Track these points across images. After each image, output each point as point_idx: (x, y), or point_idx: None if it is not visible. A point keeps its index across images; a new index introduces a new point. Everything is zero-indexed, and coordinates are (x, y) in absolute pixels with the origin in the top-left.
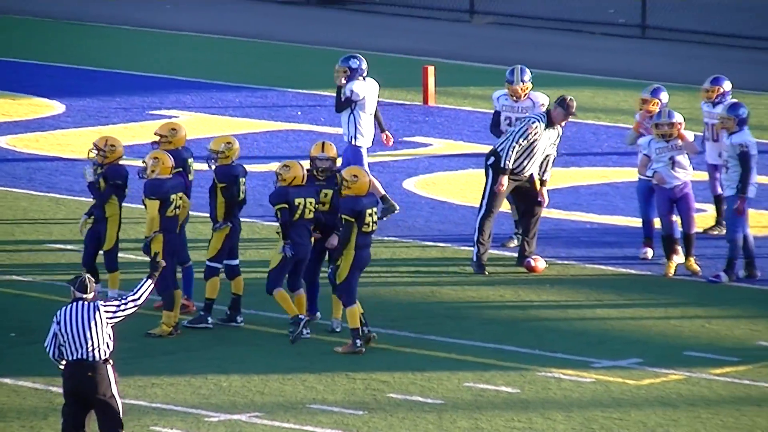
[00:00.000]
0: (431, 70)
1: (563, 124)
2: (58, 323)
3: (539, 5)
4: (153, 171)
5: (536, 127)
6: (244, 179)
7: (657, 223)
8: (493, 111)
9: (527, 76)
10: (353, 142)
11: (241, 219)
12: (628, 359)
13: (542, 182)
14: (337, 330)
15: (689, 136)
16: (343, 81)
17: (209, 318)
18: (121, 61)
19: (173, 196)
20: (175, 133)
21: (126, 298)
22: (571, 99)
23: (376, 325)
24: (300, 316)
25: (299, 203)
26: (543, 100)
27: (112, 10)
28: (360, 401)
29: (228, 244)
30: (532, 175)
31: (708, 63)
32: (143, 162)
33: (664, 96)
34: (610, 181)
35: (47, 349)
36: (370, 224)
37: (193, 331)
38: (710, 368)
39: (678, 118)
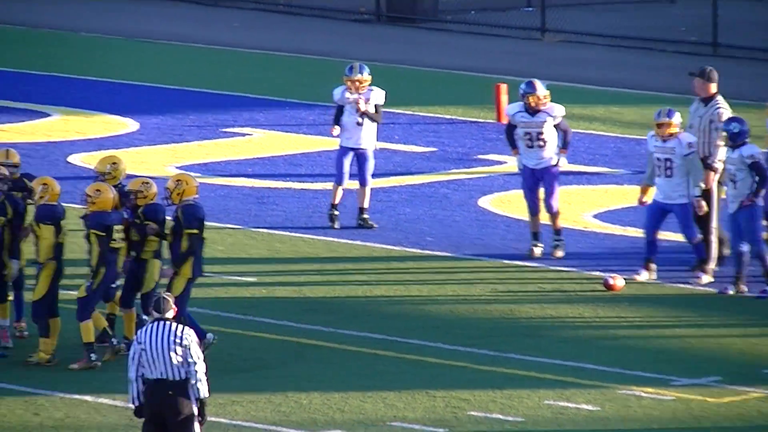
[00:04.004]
0: (504, 87)
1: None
2: (140, 343)
3: (610, 24)
4: (42, 197)
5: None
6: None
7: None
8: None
9: (541, 90)
10: None
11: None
12: (707, 377)
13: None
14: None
15: None
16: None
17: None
18: (193, 79)
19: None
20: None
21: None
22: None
23: (453, 343)
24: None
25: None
26: (559, 111)
27: (182, 29)
28: (440, 419)
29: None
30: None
31: None
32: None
33: None
34: None
35: (129, 370)
36: (117, 240)
37: (271, 349)
38: None
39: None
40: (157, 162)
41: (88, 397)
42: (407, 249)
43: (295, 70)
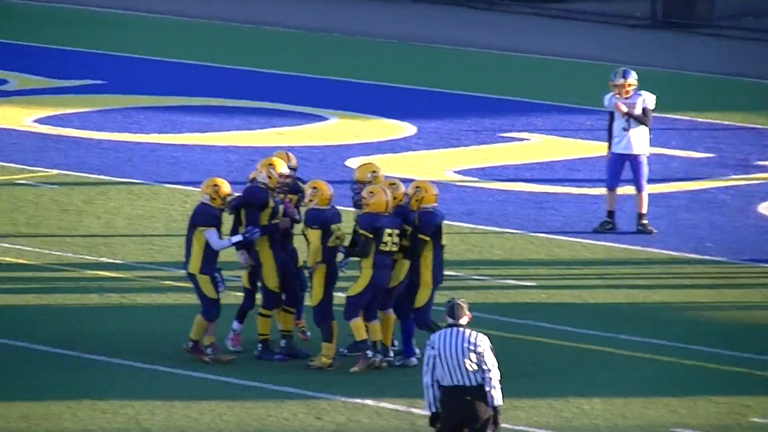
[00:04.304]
0: None
1: None
2: (433, 348)
3: None
4: (311, 200)
5: None
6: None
7: None
8: None
9: None
10: None
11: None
12: None
13: None
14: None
15: None
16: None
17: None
18: (471, 84)
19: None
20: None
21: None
22: None
23: (734, 349)
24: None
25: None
26: None
27: (457, 33)
28: (723, 425)
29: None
30: None
31: None
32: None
33: None
34: None
35: (424, 376)
36: (389, 243)
37: (550, 353)
38: None
39: None
40: (434, 166)
41: (369, 401)
42: (687, 254)
43: (573, 75)
